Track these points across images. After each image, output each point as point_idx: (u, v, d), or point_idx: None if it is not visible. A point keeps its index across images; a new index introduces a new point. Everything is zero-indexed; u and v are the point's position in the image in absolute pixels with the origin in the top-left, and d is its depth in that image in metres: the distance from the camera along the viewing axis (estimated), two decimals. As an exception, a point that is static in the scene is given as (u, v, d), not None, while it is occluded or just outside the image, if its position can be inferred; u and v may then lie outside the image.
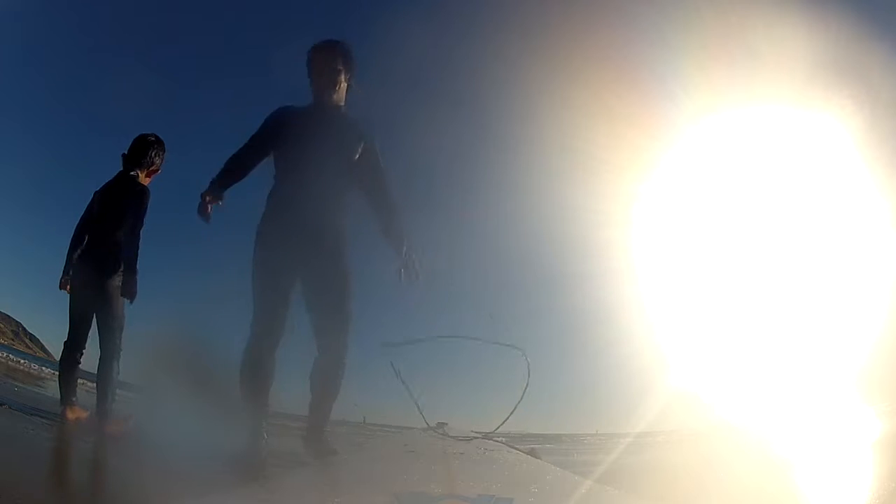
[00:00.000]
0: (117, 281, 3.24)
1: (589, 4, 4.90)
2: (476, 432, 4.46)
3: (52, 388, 6.10)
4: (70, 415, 3.55)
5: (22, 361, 6.35)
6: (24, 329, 6.53)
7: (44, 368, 6.43)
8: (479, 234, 5.45)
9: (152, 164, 3.39)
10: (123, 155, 3.48)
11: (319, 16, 5.62)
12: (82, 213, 3.29)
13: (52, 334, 6.32)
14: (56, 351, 6.73)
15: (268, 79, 5.80)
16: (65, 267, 3.38)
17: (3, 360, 6.11)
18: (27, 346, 6.54)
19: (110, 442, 3.52)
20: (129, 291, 3.19)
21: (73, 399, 3.61)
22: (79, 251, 3.27)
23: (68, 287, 3.34)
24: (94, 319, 3.33)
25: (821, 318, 4.77)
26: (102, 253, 3.26)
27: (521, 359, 4.44)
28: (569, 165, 4.83)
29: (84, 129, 6.04)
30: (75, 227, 3.37)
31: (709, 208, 4.91)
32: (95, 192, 3.43)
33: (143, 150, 3.37)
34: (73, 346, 3.43)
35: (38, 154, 5.57)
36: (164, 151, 3.50)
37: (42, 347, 6.56)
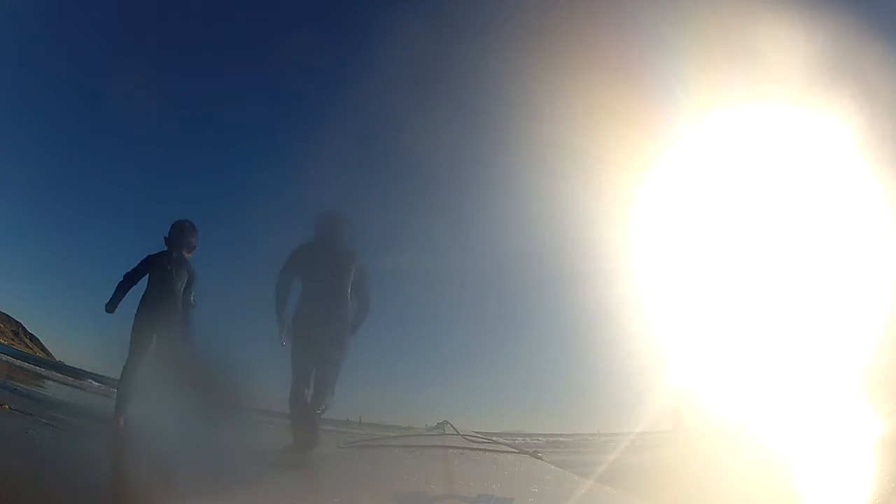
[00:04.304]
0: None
1: (589, 5, 4.90)
2: (477, 432, 4.46)
3: (52, 388, 6.11)
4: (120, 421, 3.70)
5: (22, 361, 6.35)
6: (24, 329, 6.53)
7: (44, 368, 6.44)
8: (479, 233, 5.46)
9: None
10: (165, 238, 4.03)
11: (321, 15, 5.63)
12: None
13: (52, 334, 6.36)
14: (56, 350, 6.78)
15: (268, 77, 5.82)
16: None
17: (3, 360, 6.11)
18: (27, 346, 6.54)
19: (112, 440, 3.54)
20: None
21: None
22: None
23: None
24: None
25: (821, 317, 4.77)
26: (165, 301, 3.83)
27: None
28: (569, 165, 4.83)
29: (84, 130, 6.05)
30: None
31: (709, 208, 4.91)
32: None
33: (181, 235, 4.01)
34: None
35: (39, 154, 5.59)
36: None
37: (42, 347, 6.56)
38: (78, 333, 5.97)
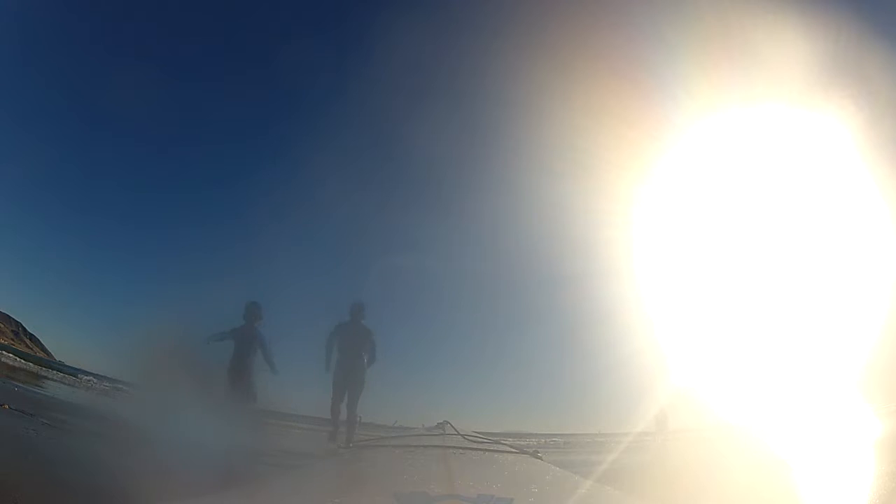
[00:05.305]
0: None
1: (589, 5, 4.90)
2: (477, 432, 4.46)
3: (52, 388, 6.12)
4: None
5: (22, 361, 6.35)
6: (24, 329, 6.53)
7: (43, 368, 6.44)
8: (479, 234, 5.47)
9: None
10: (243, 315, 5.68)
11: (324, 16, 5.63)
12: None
13: (52, 334, 6.36)
14: (56, 350, 6.80)
15: (269, 76, 5.82)
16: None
17: (3, 360, 6.11)
18: (27, 346, 6.54)
19: (112, 441, 3.54)
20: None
21: None
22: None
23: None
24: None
25: (821, 317, 4.78)
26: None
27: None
28: (569, 165, 4.83)
29: (84, 129, 6.05)
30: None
31: (709, 208, 4.92)
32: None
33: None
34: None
35: (38, 154, 5.58)
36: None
37: (42, 347, 6.56)
38: (78, 333, 5.99)
